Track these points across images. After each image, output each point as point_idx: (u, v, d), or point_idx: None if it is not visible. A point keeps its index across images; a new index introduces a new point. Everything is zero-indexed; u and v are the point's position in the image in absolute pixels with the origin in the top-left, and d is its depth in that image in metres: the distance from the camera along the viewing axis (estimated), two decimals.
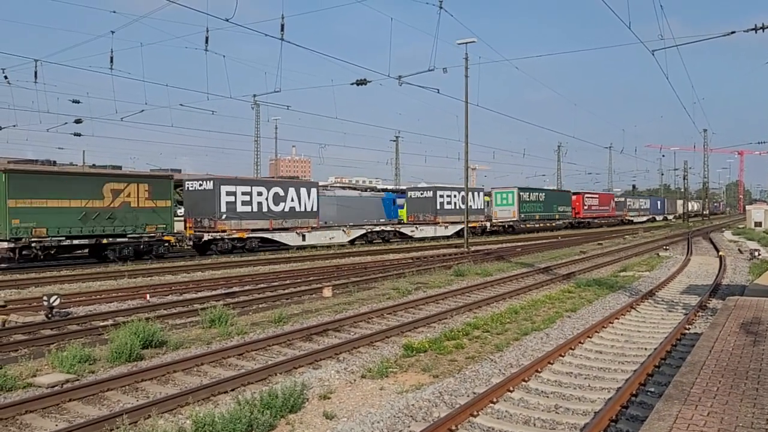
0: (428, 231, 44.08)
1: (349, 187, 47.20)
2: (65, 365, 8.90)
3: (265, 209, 33.12)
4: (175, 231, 27.88)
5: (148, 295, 16.06)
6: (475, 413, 6.93)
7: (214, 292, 16.95)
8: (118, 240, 25.76)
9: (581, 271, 22.75)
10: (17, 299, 15.58)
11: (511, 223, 51.88)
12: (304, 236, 35.12)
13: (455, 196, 46.90)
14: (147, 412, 6.89)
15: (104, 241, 25.30)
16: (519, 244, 38.81)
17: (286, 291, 17.23)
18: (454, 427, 6.49)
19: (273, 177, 45.95)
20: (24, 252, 22.74)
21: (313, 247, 34.39)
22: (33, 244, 22.79)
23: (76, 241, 24.41)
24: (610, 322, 12.37)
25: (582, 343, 10.55)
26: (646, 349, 10.20)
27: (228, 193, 31.39)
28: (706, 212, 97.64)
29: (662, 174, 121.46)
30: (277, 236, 33.66)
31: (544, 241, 42.11)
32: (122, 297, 16.09)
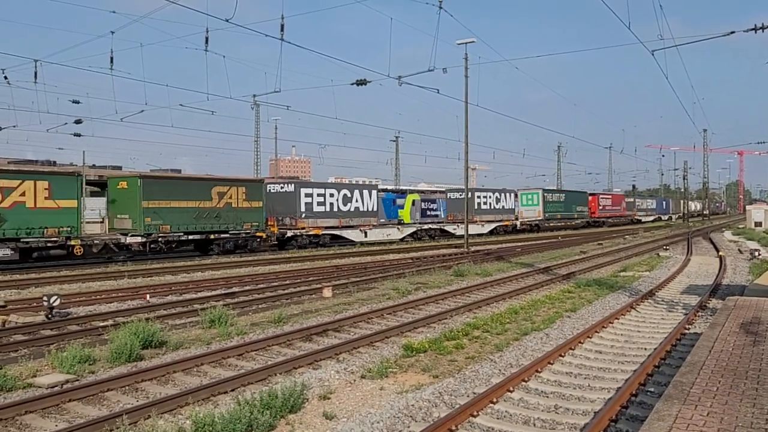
0: (469, 229, 45.39)
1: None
2: (65, 365, 8.90)
3: (335, 209, 37.47)
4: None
5: (148, 296, 16.06)
6: (475, 413, 6.93)
7: (213, 293, 16.96)
8: (222, 236, 29.95)
9: (581, 271, 22.75)
10: (17, 299, 15.58)
11: (537, 222, 55.34)
12: (365, 233, 39.43)
13: (490, 196, 51.94)
14: (147, 413, 6.89)
15: (212, 236, 29.51)
16: (519, 244, 38.81)
17: (286, 291, 17.23)
18: (454, 428, 6.49)
19: (339, 180, 49.65)
20: (152, 245, 26.95)
21: (373, 243, 38.87)
22: (159, 239, 27.15)
23: (191, 237, 28.73)
24: (610, 322, 12.37)
25: (582, 343, 10.55)
26: (645, 349, 10.20)
27: (306, 195, 35.77)
28: (707, 212, 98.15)
29: (662, 174, 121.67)
30: (345, 233, 38.03)
31: (544, 241, 42.12)
32: (122, 297, 16.09)
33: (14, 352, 10.21)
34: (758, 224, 53.09)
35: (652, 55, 18.96)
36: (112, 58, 21.95)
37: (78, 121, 33.17)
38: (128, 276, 20.51)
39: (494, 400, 7.39)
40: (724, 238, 44.43)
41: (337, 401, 7.61)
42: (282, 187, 35.66)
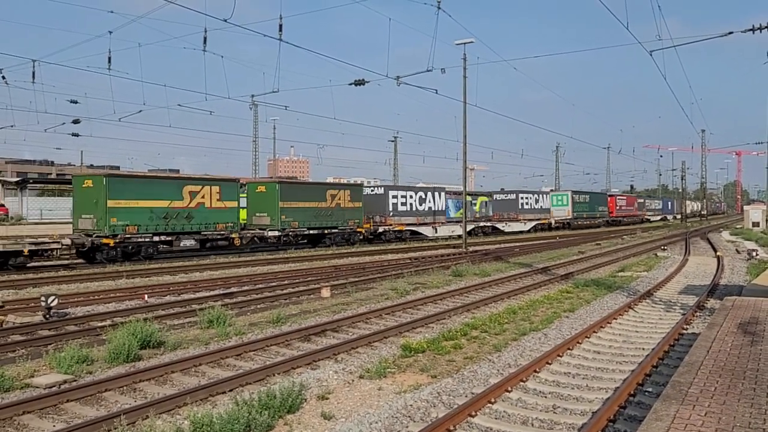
0: (514, 226, 54.17)
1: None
2: (63, 366, 8.89)
3: (414, 209, 44.02)
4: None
5: (146, 296, 16.05)
6: (474, 413, 6.93)
7: (212, 293, 16.94)
8: (333, 231, 36.06)
9: (579, 271, 22.77)
10: (15, 299, 15.54)
11: (568, 221, 61.15)
12: (436, 229, 45.42)
13: (531, 197, 59.42)
14: (145, 413, 6.88)
15: (326, 231, 35.66)
16: (517, 244, 38.85)
17: (285, 291, 17.22)
18: (452, 428, 6.50)
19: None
20: (284, 239, 33.13)
21: (442, 238, 44.62)
22: (290, 233, 33.42)
23: (312, 231, 34.92)
24: (608, 323, 12.38)
25: (580, 344, 10.56)
26: (644, 349, 10.21)
27: (393, 197, 42.52)
28: (704, 212, 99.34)
29: (660, 174, 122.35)
30: (420, 229, 44.27)
31: (542, 241, 42.18)
32: (120, 297, 16.07)
33: (12, 353, 10.19)
34: (756, 224, 53.17)
35: (651, 55, 19.02)
36: (110, 58, 21.96)
37: (76, 121, 33.20)
38: (126, 276, 20.48)
39: (492, 400, 7.40)
40: (721, 238, 44.48)
41: (336, 401, 7.61)
42: (373, 190, 42.92)
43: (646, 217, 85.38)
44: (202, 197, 29.61)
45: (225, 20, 15.45)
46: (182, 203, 28.50)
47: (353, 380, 8.53)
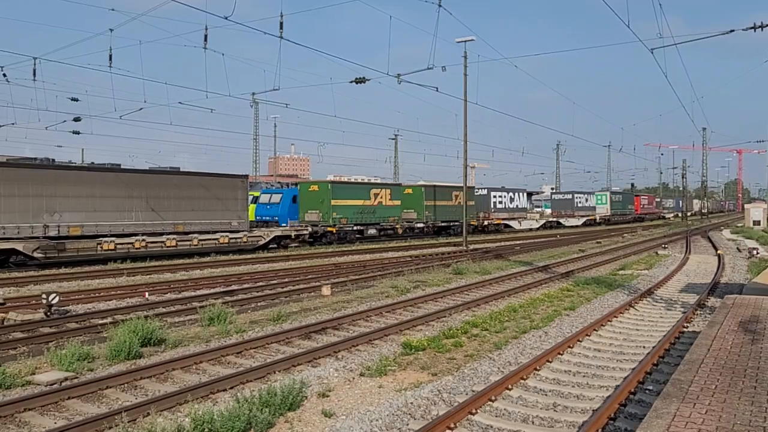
0: (571, 221, 65.11)
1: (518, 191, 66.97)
2: (64, 363, 8.90)
3: (506, 206, 55.55)
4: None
5: (146, 293, 16.06)
6: (474, 411, 6.94)
7: (213, 290, 16.95)
8: (376, 227, 40.20)
9: (580, 269, 22.77)
10: (16, 297, 15.56)
11: (607, 217, 70.92)
12: (520, 222, 57.11)
13: (583, 197, 69.65)
14: (146, 410, 6.89)
15: (366, 229, 40.01)
16: (518, 242, 38.87)
17: (285, 289, 17.23)
18: (452, 425, 6.50)
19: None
20: (335, 233, 36.64)
21: (524, 229, 55.58)
22: (339, 229, 36.76)
23: (357, 227, 38.43)
24: (609, 321, 12.39)
25: (581, 342, 10.57)
26: (644, 347, 10.22)
27: (494, 197, 53.92)
28: (705, 210, 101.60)
29: (661, 173, 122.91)
30: (511, 222, 55.69)
31: (542, 239, 42.19)
32: (121, 295, 16.08)
33: (13, 350, 10.21)
34: (757, 223, 53.15)
35: (652, 53, 18.97)
36: (111, 56, 21.89)
37: (77, 119, 33.15)
38: (127, 274, 20.50)
39: (493, 398, 7.40)
40: (722, 236, 44.45)
41: (336, 399, 7.62)
42: (477, 192, 52.25)
43: (662, 214, 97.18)
44: (381, 197, 40.50)
45: (226, 18, 15.45)
46: (370, 202, 39.34)
47: (354, 378, 8.53)
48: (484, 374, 8.68)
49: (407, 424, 6.67)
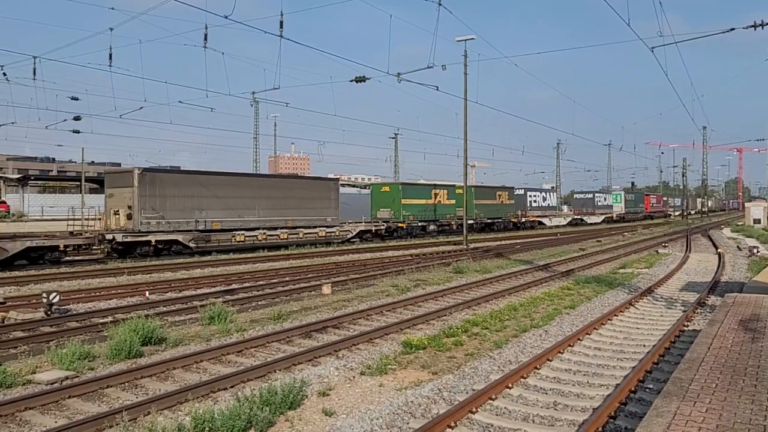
0: (592, 219, 71.16)
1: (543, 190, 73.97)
2: (65, 362, 8.90)
3: (539, 205, 63.04)
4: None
5: (147, 293, 16.06)
6: (474, 410, 6.94)
7: (213, 289, 16.96)
8: (435, 223, 45.92)
9: (580, 268, 22.77)
10: (17, 296, 15.57)
11: (622, 215, 76.64)
12: (551, 219, 63.96)
13: (602, 196, 77.05)
14: (146, 409, 6.90)
15: (428, 225, 45.19)
16: (518, 241, 38.86)
17: (286, 288, 17.23)
18: (453, 424, 6.50)
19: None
20: (405, 228, 41.83)
21: (554, 225, 62.17)
22: (408, 225, 42.02)
23: (421, 223, 43.91)
24: (609, 319, 12.39)
25: (581, 340, 10.57)
26: (644, 345, 10.22)
27: (530, 196, 61.03)
28: (706, 209, 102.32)
29: (661, 171, 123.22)
30: (543, 219, 62.20)
31: (543, 238, 42.20)
32: (121, 294, 16.09)
33: (14, 349, 10.22)
34: (757, 221, 53.14)
35: (652, 51, 18.94)
36: (111, 55, 21.91)
37: (77, 118, 33.17)
38: (127, 273, 20.50)
39: (493, 396, 7.41)
40: (723, 235, 44.44)
41: (337, 398, 7.62)
42: (515, 192, 57.89)
43: (668, 212, 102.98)
44: (440, 197, 46.50)
45: (226, 17, 15.44)
46: (431, 201, 45.32)
47: (354, 377, 8.54)
48: (484, 373, 8.68)
49: (408, 423, 6.67)
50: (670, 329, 11.01)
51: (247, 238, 30.27)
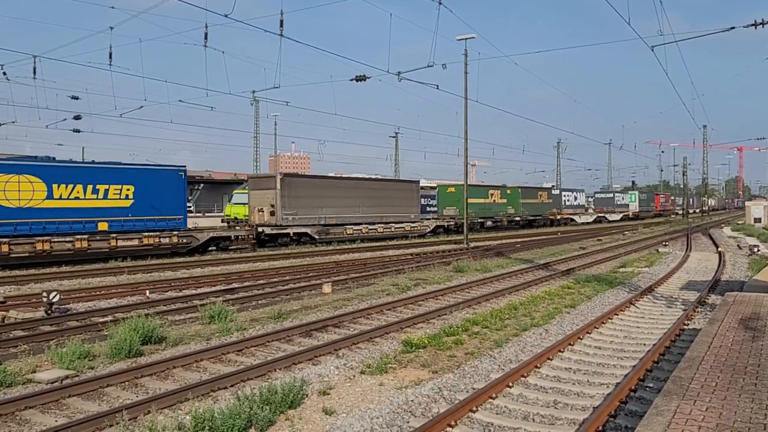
0: (612, 216, 76.41)
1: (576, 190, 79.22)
2: (65, 361, 8.91)
3: (571, 204, 69.10)
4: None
5: (147, 292, 16.07)
6: (474, 409, 6.94)
7: (213, 289, 16.96)
8: (492, 219, 52.47)
9: (580, 267, 22.77)
10: (17, 295, 15.58)
11: (636, 213, 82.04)
12: (580, 217, 70.48)
13: (620, 196, 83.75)
14: (146, 408, 6.90)
15: (485, 221, 51.64)
16: (519, 240, 38.86)
17: (286, 287, 17.24)
18: (453, 423, 6.50)
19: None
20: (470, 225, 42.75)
21: (582, 222, 69.21)
22: (471, 221, 42.15)
23: (480, 220, 50.27)
24: (609, 318, 12.39)
25: (581, 339, 10.57)
26: (645, 344, 10.22)
27: (564, 195, 67.64)
28: (706, 208, 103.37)
29: (661, 170, 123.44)
30: (574, 216, 68.21)
31: (543, 237, 42.22)
32: (122, 293, 16.09)
33: (14, 348, 10.23)
34: (757, 220, 53.12)
35: (652, 50, 18.94)
36: (111, 54, 21.93)
37: (77, 117, 33.19)
38: (128, 272, 20.51)
39: (493, 395, 7.40)
40: (723, 234, 44.42)
41: (337, 397, 7.62)
42: (554, 191, 65.56)
43: (676, 210, 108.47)
44: (494, 196, 52.56)
45: (226, 15, 15.44)
46: (488, 200, 51.49)
47: (354, 376, 8.54)
48: (484, 372, 8.68)
49: (408, 422, 6.67)
50: (671, 328, 11.01)
51: (354, 232, 36.41)
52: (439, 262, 23.52)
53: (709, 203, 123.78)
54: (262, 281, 18.45)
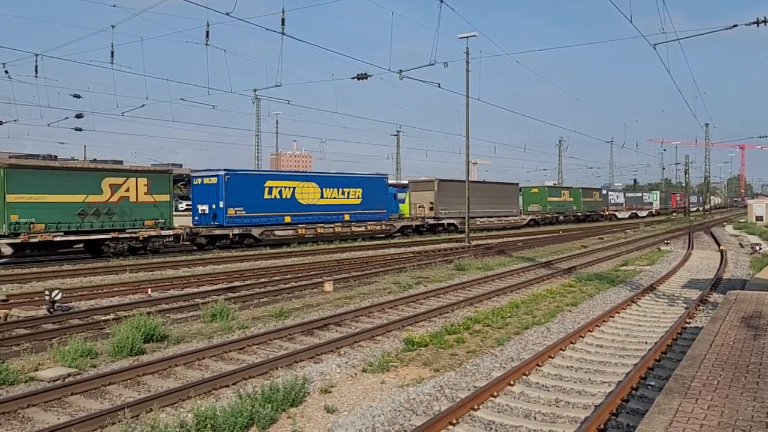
0: (641, 213, 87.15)
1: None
2: (67, 359, 8.93)
3: (615, 202, 79.85)
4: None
5: (149, 290, 16.09)
6: (476, 407, 6.94)
7: (215, 287, 16.98)
8: (563, 215, 63.70)
9: (582, 265, 22.75)
10: (19, 294, 15.61)
11: (658, 210, 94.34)
12: (619, 213, 78.78)
13: (647, 194, 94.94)
14: (149, 406, 6.91)
15: (559, 216, 62.06)
16: (520, 238, 38.85)
17: (288, 285, 17.25)
18: (455, 421, 6.51)
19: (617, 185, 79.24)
20: (549, 219, 59.48)
21: (621, 218, 77.33)
22: (552, 216, 60.13)
23: (555, 215, 61.08)
24: (611, 317, 12.38)
25: (583, 337, 10.56)
26: (646, 343, 10.21)
27: (610, 195, 77.76)
28: (708, 207, 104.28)
29: (663, 168, 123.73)
30: (617, 213, 78.50)
31: (545, 235, 42.19)
32: (124, 291, 16.12)
33: (16, 346, 10.25)
34: (759, 218, 53.04)
35: (655, 48, 18.91)
36: (112, 53, 21.94)
37: (79, 116, 33.19)
38: (130, 270, 20.53)
39: (495, 393, 7.41)
40: (725, 232, 44.36)
41: (339, 395, 7.63)
42: (603, 191, 76.16)
43: (689, 207, 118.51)
44: (565, 196, 63.08)
45: (227, 14, 15.44)
46: (561, 199, 62.03)
47: (356, 374, 8.55)
48: (486, 370, 8.69)
49: (409, 420, 6.68)
50: (672, 326, 11.01)
51: (480, 222, 47.68)
52: (440, 261, 23.51)
53: (715, 201, 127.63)
54: (263, 279, 18.47)
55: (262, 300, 15.08)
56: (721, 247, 28.34)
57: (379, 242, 35.02)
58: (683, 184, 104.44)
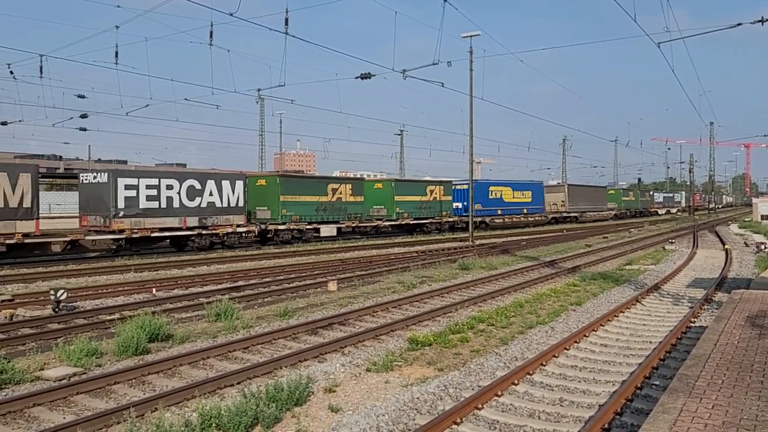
0: (673, 210, 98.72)
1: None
2: (72, 359, 8.96)
3: (657, 201, 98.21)
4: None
5: (154, 289, 16.13)
6: (480, 406, 6.95)
7: (219, 286, 17.01)
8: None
9: (586, 264, 22.71)
10: (24, 293, 15.67)
11: (684, 209, 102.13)
12: (660, 210, 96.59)
13: (676, 194, 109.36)
14: (154, 405, 6.94)
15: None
16: (524, 237, 38.81)
17: (292, 285, 17.27)
18: (458, 420, 6.51)
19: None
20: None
21: (662, 214, 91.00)
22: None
23: (621, 212, 78.37)
24: (616, 316, 12.36)
25: (587, 337, 10.55)
26: (651, 342, 10.20)
27: (655, 194, 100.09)
28: (713, 205, 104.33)
29: (668, 167, 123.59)
30: (659, 210, 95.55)
31: (549, 234, 42.12)
32: (129, 291, 16.16)
33: (22, 346, 10.29)
34: (765, 217, 52.84)
35: (658, 47, 18.87)
36: (117, 53, 22.02)
37: (83, 116, 33.34)
38: (134, 270, 20.59)
39: (499, 393, 7.41)
40: (730, 231, 44.22)
41: (343, 394, 7.64)
42: (650, 192, 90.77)
43: (706, 206, 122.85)
44: (631, 195, 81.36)
45: (231, 14, 15.49)
46: (627, 198, 79.24)
47: (360, 373, 8.56)
48: (490, 369, 8.69)
49: (413, 419, 6.69)
50: (677, 325, 10.99)
51: (581, 216, 62.88)
52: (444, 260, 23.51)
53: (726, 200, 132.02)
54: (267, 279, 18.49)
55: (266, 299, 15.10)
56: (726, 246, 28.25)
57: (382, 242, 35.03)
58: (687, 183, 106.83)
